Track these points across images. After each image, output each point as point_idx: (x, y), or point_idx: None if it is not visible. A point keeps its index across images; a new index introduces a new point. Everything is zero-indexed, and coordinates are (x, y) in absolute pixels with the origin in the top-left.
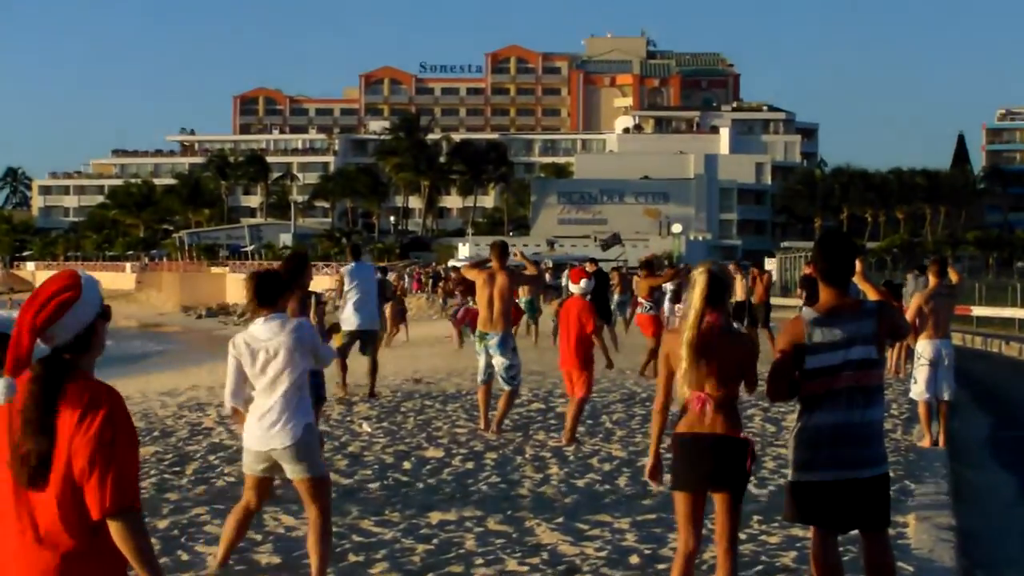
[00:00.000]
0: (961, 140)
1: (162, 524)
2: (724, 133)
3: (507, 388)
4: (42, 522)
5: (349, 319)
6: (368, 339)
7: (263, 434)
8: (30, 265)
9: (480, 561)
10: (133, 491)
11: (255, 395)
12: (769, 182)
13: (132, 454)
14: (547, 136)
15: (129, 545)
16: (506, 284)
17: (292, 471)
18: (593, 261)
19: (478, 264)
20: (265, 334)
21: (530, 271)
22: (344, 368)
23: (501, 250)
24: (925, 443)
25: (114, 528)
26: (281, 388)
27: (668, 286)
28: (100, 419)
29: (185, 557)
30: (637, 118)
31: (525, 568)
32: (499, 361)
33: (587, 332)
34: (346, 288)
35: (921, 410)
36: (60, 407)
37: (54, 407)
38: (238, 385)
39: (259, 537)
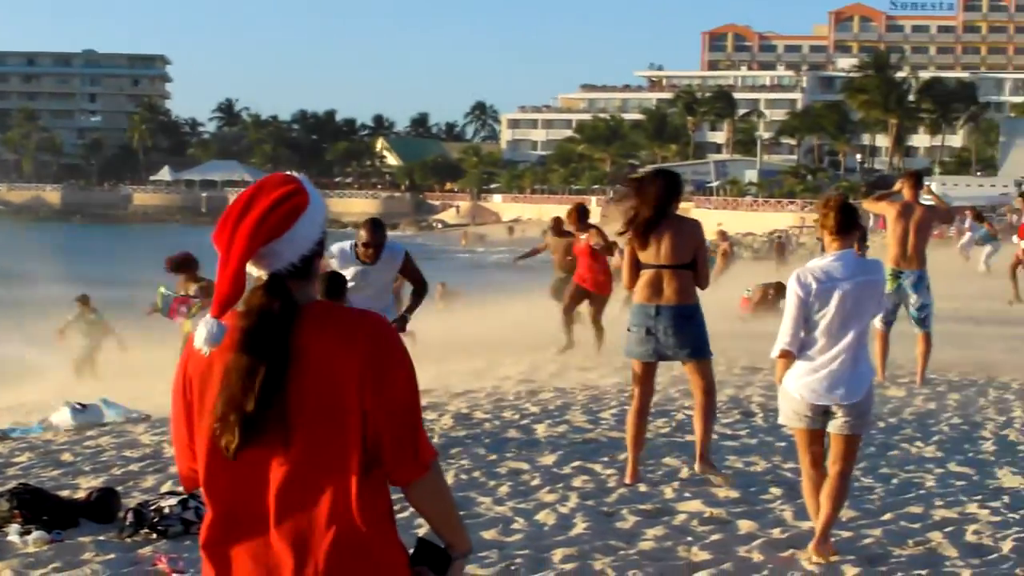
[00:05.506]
0: None
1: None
2: None
3: (920, 331)
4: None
5: None
6: None
7: (823, 385)
8: (496, 197)
9: (940, 503)
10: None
11: (813, 338)
12: None
13: None
14: (1018, 75)
15: (440, 499)
16: (925, 217)
17: (844, 426)
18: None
19: (883, 196)
20: (840, 271)
21: (941, 206)
22: None
23: (916, 179)
24: None
25: (422, 488)
26: (849, 334)
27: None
28: (397, 364)
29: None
30: None
31: (986, 511)
32: (913, 299)
33: None
34: None
35: None
36: (302, 348)
37: (286, 349)
38: (799, 326)
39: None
